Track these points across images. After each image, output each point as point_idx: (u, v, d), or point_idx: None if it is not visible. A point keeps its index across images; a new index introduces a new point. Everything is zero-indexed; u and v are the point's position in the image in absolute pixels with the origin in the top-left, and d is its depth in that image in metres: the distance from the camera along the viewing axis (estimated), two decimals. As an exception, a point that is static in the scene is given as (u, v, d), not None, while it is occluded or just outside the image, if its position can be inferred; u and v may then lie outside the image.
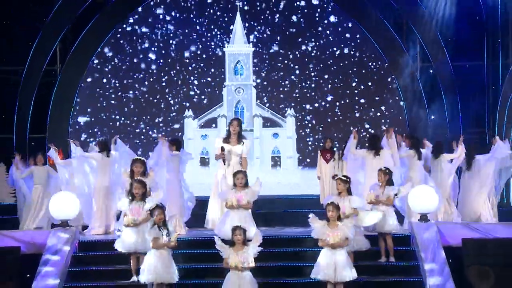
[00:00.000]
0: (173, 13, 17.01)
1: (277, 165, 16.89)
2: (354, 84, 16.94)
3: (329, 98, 16.93)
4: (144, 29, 17.01)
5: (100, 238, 12.17)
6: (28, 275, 10.62)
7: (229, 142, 12.28)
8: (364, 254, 10.82)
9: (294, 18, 17.04)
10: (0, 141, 16.23)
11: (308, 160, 16.66)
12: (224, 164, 11.74)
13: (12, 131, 16.28)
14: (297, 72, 16.97)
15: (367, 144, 12.92)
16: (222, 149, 11.99)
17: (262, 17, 17.06)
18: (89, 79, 16.87)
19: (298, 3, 17.05)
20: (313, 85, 16.95)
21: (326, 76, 16.94)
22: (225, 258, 9.68)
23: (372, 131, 15.17)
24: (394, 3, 16.61)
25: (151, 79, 16.94)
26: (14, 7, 16.61)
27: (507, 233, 11.34)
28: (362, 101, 16.95)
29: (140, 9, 17.05)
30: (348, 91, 16.92)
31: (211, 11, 17.03)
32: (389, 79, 16.85)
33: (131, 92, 16.90)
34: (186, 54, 16.96)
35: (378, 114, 16.92)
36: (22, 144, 16.24)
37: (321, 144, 15.07)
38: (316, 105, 16.93)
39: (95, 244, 11.67)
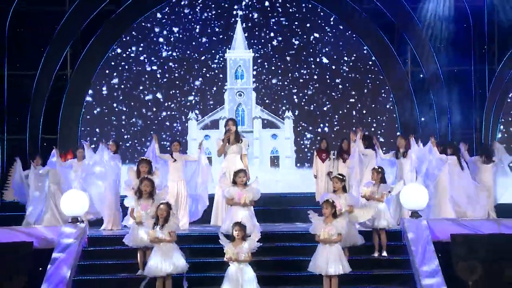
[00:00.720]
0: (177, 21, 16.99)
1: (275, 164, 16.89)
2: (348, 87, 16.93)
3: (324, 101, 16.89)
4: (150, 37, 16.95)
5: (108, 233, 12.19)
6: (40, 269, 10.64)
7: (228, 142, 12.30)
8: (358, 249, 10.82)
9: (291, 26, 17.01)
10: (14, 141, 16.23)
11: (305, 160, 16.63)
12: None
13: (26, 132, 16.29)
14: (295, 76, 16.96)
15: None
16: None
17: (261, 25, 17.04)
18: (97, 83, 16.79)
19: (294, 12, 16.99)
20: (309, 89, 16.95)
21: (321, 81, 16.92)
22: (226, 252, 9.70)
23: (366, 132, 15.14)
24: (387, 11, 16.60)
25: (157, 83, 16.91)
26: (27, 15, 16.62)
27: (494, 229, 11.34)
28: (356, 103, 16.91)
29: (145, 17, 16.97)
30: (342, 95, 16.92)
31: (214, 20, 17.02)
32: (382, 83, 16.84)
33: (137, 95, 16.87)
34: (190, 59, 16.94)
35: (371, 115, 16.88)
36: (35, 144, 16.24)
37: (317, 145, 15.05)
38: (312, 107, 16.93)
39: (104, 239, 11.68)
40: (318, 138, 16.25)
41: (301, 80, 16.94)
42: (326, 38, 16.96)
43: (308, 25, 16.99)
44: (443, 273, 10.35)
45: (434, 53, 16.65)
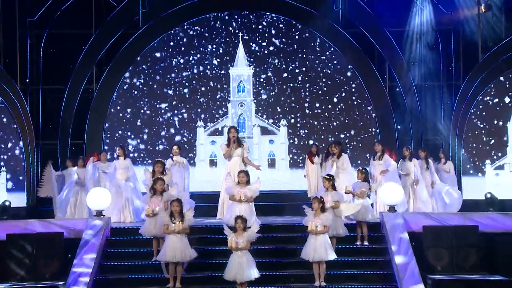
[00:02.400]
0: (186, 41, 16.98)
1: (272, 166, 16.86)
2: (335, 100, 16.91)
3: (314, 112, 16.89)
4: (165, 55, 16.96)
5: (128, 225, 12.20)
6: (69, 255, 10.65)
7: (230, 146, 12.31)
8: (343, 239, 10.85)
9: (286, 47, 16.99)
10: (47, 146, 16.28)
11: (298, 162, 16.65)
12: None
13: (57, 138, 16.30)
14: (289, 90, 16.97)
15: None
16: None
17: (260, 45, 17.04)
18: (119, 96, 16.81)
19: (289, 36, 17.01)
20: (301, 101, 16.93)
21: (312, 94, 16.91)
22: (229, 242, 9.72)
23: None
24: (369, 36, 16.62)
25: (170, 95, 16.90)
26: (59, 37, 16.65)
27: (459, 221, 11.36)
28: (341, 113, 16.91)
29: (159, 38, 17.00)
30: (330, 106, 16.90)
31: (219, 41, 17.02)
32: (364, 96, 16.83)
33: (153, 105, 16.84)
34: (199, 75, 16.93)
35: (355, 124, 16.88)
36: (64, 149, 16.25)
37: (308, 149, 15.06)
38: (304, 117, 16.91)
39: (124, 230, 11.70)
40: (309, 143, 16.32)
41: (294, 93, 16.93)
42: (316, 58, 16.95)
43: (300, 46, 16.97)
44: (416, 259, 10.38)
45: (409, 70, 16.70)
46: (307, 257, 10.05)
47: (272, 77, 17.00)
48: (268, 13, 16.99)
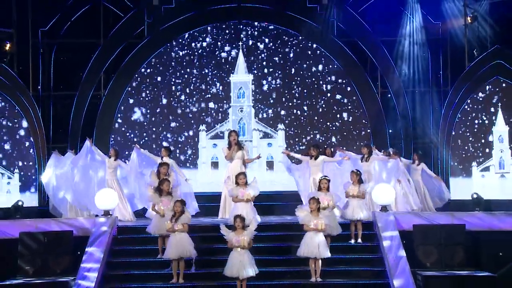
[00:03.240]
0: (189, 51, 16.98)
1: (270, 168, 16.84)
2: (330, 106, 16.88)
3: (310, 117, 16.88)
4: (170, 63, 16.96)
5: (134, 224, 12.20)
6: (78, 252, 10.66)
7: (231, 149, 12.34)
8: (337, 237, 10.85)
9: (284, 55, 16.99)
10: (58, 149, 16.18)
11: (295, 164, 16.61)
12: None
13: (67, 141, 16.28)
14: (286, 96, 16.95)
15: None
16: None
17: (259, 54, 17.05)
18: (125, 102, 16.82)
19: (287, 45, 17.02)
20: (298, 107, 16.92)
21: (308, 100, 16.90)
22: (229, 240, 9.74)
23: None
24: (362, 45, 16.63)
25: (173, 101, 16.89)
26: (69, 47, 16.67)
27: (448, 220, 11.39)
28: (336, 118, 16.90)
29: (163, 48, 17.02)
30: (325, 111, 16.89)
31: (220, 50, 17.01)
32: (357, 102, 16.82)
33: (159, 110, 16.83)
34: (201, 82, 16.92)
35: (349, 128, 16.87)
36: (74, 151, 16.16)
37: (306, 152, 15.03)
38: (300, 121, 16.89)
39: (131, 229, 11.71)
40: (305, 146, 16.30)
41: (291, 99, 16.93)
42: (311, 65, 16.94)
43: (296, 54, 16.97)
44: (406, 256, 10.39)
45: (400, 77, 16.71)
46: (304, 254, 10.07)
47: (270, 84, 16.97)
48: (266, 23, 16.99)
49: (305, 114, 16.86)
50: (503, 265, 10.43)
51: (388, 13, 16.58)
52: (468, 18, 16.26)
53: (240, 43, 17.01)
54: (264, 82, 16.99)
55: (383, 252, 10.57)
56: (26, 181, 15.85)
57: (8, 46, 15.94)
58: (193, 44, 16.96)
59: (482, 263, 10.75)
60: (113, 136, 16.62)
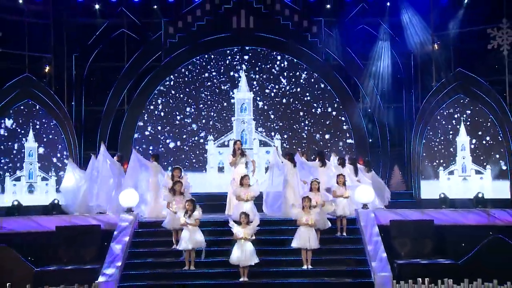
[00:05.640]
0: (200, 72, 17.00)
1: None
2: (318, 118, 16.89)
3: (302, 129, 16.88)
4: (181, 82, 16.97)
5: (152, 219, 12.16)
6: (105, 243, 10.64)
7: (236, 156, 12.32)
8: (326, 230, 10.84)
9: (279, 75, 17.02)
10: (88, 155, 16.19)
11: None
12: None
13: (95, 148, 16.24)
14: (282, 110, 16.95)
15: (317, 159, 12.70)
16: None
17: (258, 74, 17.06)
18: (145, 115, 16.82)
19: (282, 67, 17.03)
20: (292, 119, 16.92)
21: (300, 113, 16.90)
22: (234, 233, 9.73)
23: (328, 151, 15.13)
24: (345, 66, 16.65)
25: (186, 115, 16.89)
26: (98, 68, 16.70)
27: (417, 216, 11.39)
28: (325, 130, 16.89)
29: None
30: (315, 123, 16.88)
31: (226, 72, 17.03)
32: (342, 115, 16.82)
33: (173, 123, 16.83)
34: (209, 99, 16.93)
35: (335, 139, 16.86)
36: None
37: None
38: (294, 132, 16.89)
39: (150, 224, 11.68)
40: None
41: (286, 113, 16.93)
42: (303, 84, 16.95)
43: (291, 75, 16.99)
44: (384, 247, 10.37)
45: (378, 94, 16.72)
46: (298, 245, 10.05)
47: (268, 100, 16.98)
48: (265, 49, 17.01)
49: (298, 126, 16.86)
50: (465, 254, 10.40)
51: (367, 40, 16.60)
52: (435, 45, 16.29)
53: (243, 66, 17.04)
54: (263, 99, 17.00)
55: (365, 243, 10.57)
56: (61, 182, 15.76)
57: (47, 69, 16.02)
58: (203, 67, 16.98)
59: (447, 252, 10.74)
60: (134, 144, 16.59)
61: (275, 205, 12.13)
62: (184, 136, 16.78)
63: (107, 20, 16.39)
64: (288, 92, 16.92)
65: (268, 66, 17.01)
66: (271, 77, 16.98)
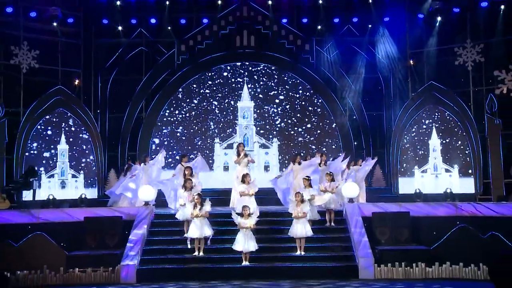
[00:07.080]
0: (208, 83, 17.01)
1: (267, 170, 16.84)
2: (310, 124, 16.90)
3: (297, 133, 16.87)
4: (192, 93, 16.98)
5: (167, 211, 12.15)
6: (126, 232, 10.66)
7: (239, 157, 12.33)
8: (316, 221, 10.84)
9: (276, 87, 17.03)
10: (111, 156, 16.35)
11: (285, 167, 16.59)
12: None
13: (118, 150, 16.33)
14: (279, 117, 16.97)
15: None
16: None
17: (259, 85, 17.07)
18: (160, 121, 16.83)
19: (279, 80, 17.03)
20: (288, 125, 16.92)
21: (295, 120, 16.91)
22: (238, 223, 9.74)
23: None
24: (335, 80, 16.65)
25: (196, 121, 16.91)
26: (120, 81, 16.71)
27: (396, 209, 11.39)
28: (317, 135, 16.88)
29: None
30: (309, 129, 16.89)
31: (230, 84, 17.04)
32: (331, 121, 16.83)
33: (184, 128, 16.82)
34: (216, 107, 16.95)
35: (324, 141, 16.85)
36: (123, 157, 16.24)
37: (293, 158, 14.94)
38: (289, 136, 16.89)
39: (164, 215, 11.69)
40: (292, 154, 16.25)
41: (282, 119, 16.93)
42: (298, 94, 16.96)
43: (286, 86, 17.01)
44: (367, 235, 10.38)
45: (362, 104, 16.72)
46: (292, 234, 10.07)
47: (267, 108, 16.97)
48: (264, 64, 17.04)
49: (293, 131, 16.86)
50: (436, 241, 10.43)
51: (351, 55, 16.60)
52: (411, 61, 16.33)
53: (245, 78, 17.05)
54: (263, 107, 16.99)
55: (350, 232, 10.60)
56: (88, 179, 15.87)
57: (77, 82, 16.09)
58: (210, 79, 16.99)
59: (421, 240, 10.75)
60: (151, 147, 16.62)
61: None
62: (194, 140, 16.78)
63: (128, 39, 16.45)
64: (284, 102, 16.93)
65: (267, 78, 17.03)
66: (270, 88, 16.99)
